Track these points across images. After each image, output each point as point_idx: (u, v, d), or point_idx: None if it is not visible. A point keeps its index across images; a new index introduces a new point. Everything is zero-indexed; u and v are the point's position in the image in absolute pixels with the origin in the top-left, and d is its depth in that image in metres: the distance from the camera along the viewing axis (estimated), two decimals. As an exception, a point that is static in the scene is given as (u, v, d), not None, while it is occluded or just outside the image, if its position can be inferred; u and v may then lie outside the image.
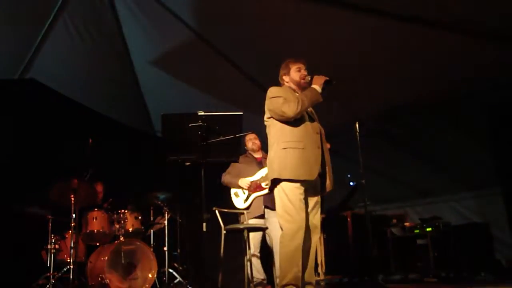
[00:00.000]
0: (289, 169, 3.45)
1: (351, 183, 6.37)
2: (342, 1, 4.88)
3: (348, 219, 6.65)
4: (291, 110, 3.47)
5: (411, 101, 6.21)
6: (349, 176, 6.30)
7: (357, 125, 4.11)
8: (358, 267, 6.40)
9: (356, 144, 4.48)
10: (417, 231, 6.49)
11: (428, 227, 6.36)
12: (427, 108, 6.34)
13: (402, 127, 6.83)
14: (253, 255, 4.82)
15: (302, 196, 3.49)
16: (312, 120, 3.68)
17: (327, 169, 3.67)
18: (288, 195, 3.45)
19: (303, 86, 3.77)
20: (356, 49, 5.50)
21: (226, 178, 5.10)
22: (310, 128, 3.57)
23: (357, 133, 4.23)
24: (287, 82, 3.82)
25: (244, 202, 4.95)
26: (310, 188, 3.59)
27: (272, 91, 3.67)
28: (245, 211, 4.86)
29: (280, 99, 3.53)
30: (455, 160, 7.04)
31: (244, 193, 4.98)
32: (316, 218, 3.65)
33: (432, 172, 7.53)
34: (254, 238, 4.87)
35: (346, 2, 4.89)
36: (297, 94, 3.63)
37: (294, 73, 3.80)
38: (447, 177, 7.52)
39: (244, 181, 4.90)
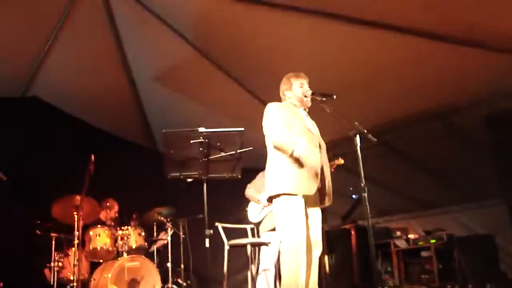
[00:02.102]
0: (288, 184, 3.43)
1: (354, 196, 6.37)
2: (339, 15, 4.93)
3: (352, 232, 6.64)
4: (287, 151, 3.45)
5: (413, 113, 6.23)
6: (351, 189, 6.30)
7: (357, 138, 4.10)
8: (362, 280, 6.37)
9: (357, 156, 4.48)
10: (421, 243, 6.47)
11: (432, 239, 6.34)
12: (429, 119, 6.35)
13: (404, 139, 6.83)
14: (265, 270, 4.80)
15: (303, 211, 3.46)
16: (311, 133, 3.67)
17: (326, 183, 3.64)
18: (288, 209, 3.42)
19: (306, 104, 3.79)
20: (356, 61, 5.54)
21: (249, 191, 5.13)
22: (309, 142, 3.55)
23: (358, 146, 4.22)
24: (289, 97, 3.81)
25: (257, 215, 4.98)
26: (310, 202, 3.56)
27: (270, 109, 3.64)
28: (253, 225, 4.89)
29: (278, 130, 3.50)
30: (457, 171, 7.02)
31: (259, 207, 5.01)
32: (316, 233, 3.61)
33: (435, 183, 7.52)
34: (269, 252, 4.86)
35: (344, 17, 4.93)
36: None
37: (296, 89, 3.79)
38: (450, 188, 7.49)
39: (263, 196, 4.91)
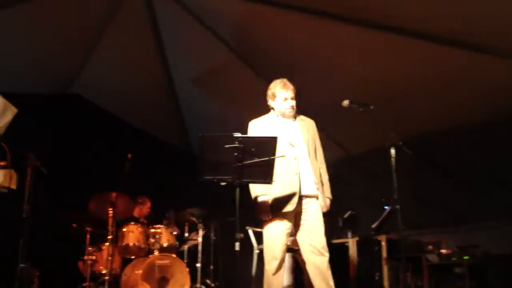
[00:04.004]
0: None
1: (386, 207, 6.29)
2: (379, 24, 4.90)
3: (382, 243, 6.55)
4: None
5: (450, 125, 6.13)
6: (383, 200, 6.23)
7: (392, 150, 4.08)
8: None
9: (391, 168, 4.44)
10: (454, 259, 6.32)
11: (466, 255, 6.19)
12: (466, 132, 6.23)
13: (440, 151, 6.72)
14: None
15: (283, 230, 3.58)
16: (291, 145, 3.69)
17: (319, 190, 3.70)
18: (270, 231, 3.60)
19: (289, 116, 3.82)
20: (392, 73, 5.49)
21: None
22: (286, 157, 3.58)
23: (392, 158, 4.19)
24: (272, 108, 3.87)
25: None
26: (298, 214, 3.64)
27: (249, 128, 3.79)
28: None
29: None
30: (495, 185, 6.85)
31: None
32: (316, 241, 3.62)
33: (471, 197, 7.35)
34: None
35: (385, 26, 4.90)
36: None
37: (279, 102, 3.81)
38: (487, 202, 7.31)
39: None
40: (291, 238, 3.80)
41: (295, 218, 3.65)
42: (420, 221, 7.85)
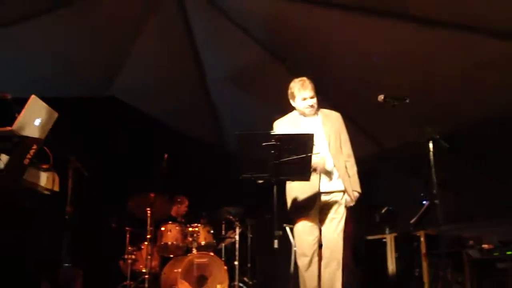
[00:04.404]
0: (290, 203, 3.73)
1: (424, 202, 6.19)
2: (414, 16, 4.82)
3: (421, 239, 6.45)
4: None
5: (488, 116, 5.98)
6: (422, 194, 6.13)
7: (430, 144, 4.01)
8: (431, 288, 6.17)
9: (429, 162, 4.37)
10: (496, 253, 6.16)
11: (508, 250, 6.03)
12: (506, 122, 6.07)
13: (479, 143, 6.57)
14: None
15: (309, 228, 3.69)
16: (319, 133, 3.73)
17: (345, 184, 3.72)
18: (297, 230, 3.73)
19: (309, 114, 3.85)
20: (431, 64, 5.39)
21: None
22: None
23: (431, 152, 4.12)
24: (294, 106, 3.90)
25: None
26: (322, 210, 3.73)
27: (275, 128, 3.86)
28: None
29: None
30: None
31: None
32: (328, 232, 3.72)
33: (512, 190, 7.15)
34: None
35: (418, 18, 4.83)
36: None
37: (298, 102, 3.84)
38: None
39: None
40: None
41: (320, 213, 3.74)
42: (460, 216, 7.68)
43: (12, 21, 5.07)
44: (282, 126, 3.84)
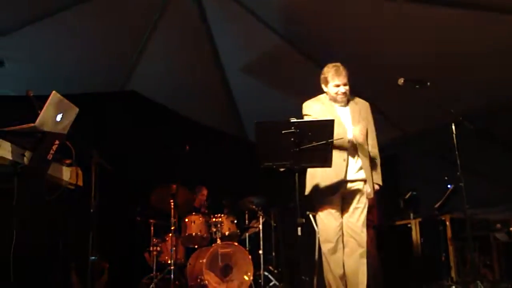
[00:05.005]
0: (312, 189, 3.71)
1: (449, 186, 6.11)
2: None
3: (447, 223, 6.37)
4: None
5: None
6: (446, 178, 6.04)
7: (453, 126, 3.95)
8: (458, 273, 6.10)
9: (453, 145, 4.31)
10: (525, 236, 6.07)
11: (537, 233, 5.93)
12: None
13: (504, 125, 6.44)
14: None
15: (333, 214, 3.69)
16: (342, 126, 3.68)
17: (366, 176, 3.69)
18: (320, 217, 3.74)
19: (341, 102, 3.80)
20: (454, 45, 5.28)
21: None
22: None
23: (454, 135, 4.06)
24: (325, 91, 3.85)
25: None
26: (345, 198, 3.73)
27: (304, 107, 3.83)
28: None
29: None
30: None
31: None
32: (352, 222, 3.71)
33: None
34: None
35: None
36: None
37: (331, 88, 3.78)
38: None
39: None
40: None
41: (342, 201, 3.73)
42: (487, 199, 7.56)
43: (32, 19, 5.13)
44: (314, 108, 3.79)
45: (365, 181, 3.72)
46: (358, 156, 3.71)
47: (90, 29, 5.58)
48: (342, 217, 3.73)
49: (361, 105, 3.88)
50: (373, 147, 3.84)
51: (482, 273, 6.22)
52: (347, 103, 3.83)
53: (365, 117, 3.83)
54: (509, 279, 6.10)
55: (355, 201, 3.71)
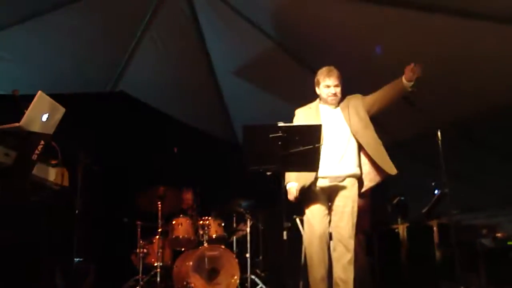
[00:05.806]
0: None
1: (436, 191, 6.14)
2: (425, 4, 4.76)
3: (434, 229, 6.40)
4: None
5: (501, 103, 5.90)
6: (433, 184, 6.08)
7: (439, 133, 3.99)
8: (443, 279, 6.13)
9: (439, 151, 4.34)
10: (510, 242, 6.11)
11: (522, 239, 5.97)
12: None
13: (490, 131, 6.49)
14: None
15: (317, 214, 3.73)
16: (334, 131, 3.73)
17: (375, 159, 3.71)
18: (306, 215, 3.80)
19: (331, 103, 3.85)
20: (438, 50, 5.32)
21: None
22: (329, 133, 3.68)
23: (439, 141, 4.09)
24: (318, 94, 3.92)
25: None
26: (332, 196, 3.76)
27: (295, 116, 3.93)
28: None
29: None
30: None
31: None
32: (339, 225, 3.73)
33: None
34: None
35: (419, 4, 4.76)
36: None
37: (322, 89, 3.85)
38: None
39: None
40: None
41: (329, 200, 3.78)
42: (474, 205, 7.61)
43: (20, 19, 5.09)
44: (301, 114, 3.88)
45: (355, 176, 3.76)
46: (345, 151, 3.75)
47: (79, 29, 5.54)
48: (329, 216, 3.76)
49: (351, 98, 3.94)
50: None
51: (468, 279, 6.26)
52: (338, 104, 3.87)
53: (356, 106, 3.87)
54: (494, 285, 6.14)
55: (341, 200, 3.74)
